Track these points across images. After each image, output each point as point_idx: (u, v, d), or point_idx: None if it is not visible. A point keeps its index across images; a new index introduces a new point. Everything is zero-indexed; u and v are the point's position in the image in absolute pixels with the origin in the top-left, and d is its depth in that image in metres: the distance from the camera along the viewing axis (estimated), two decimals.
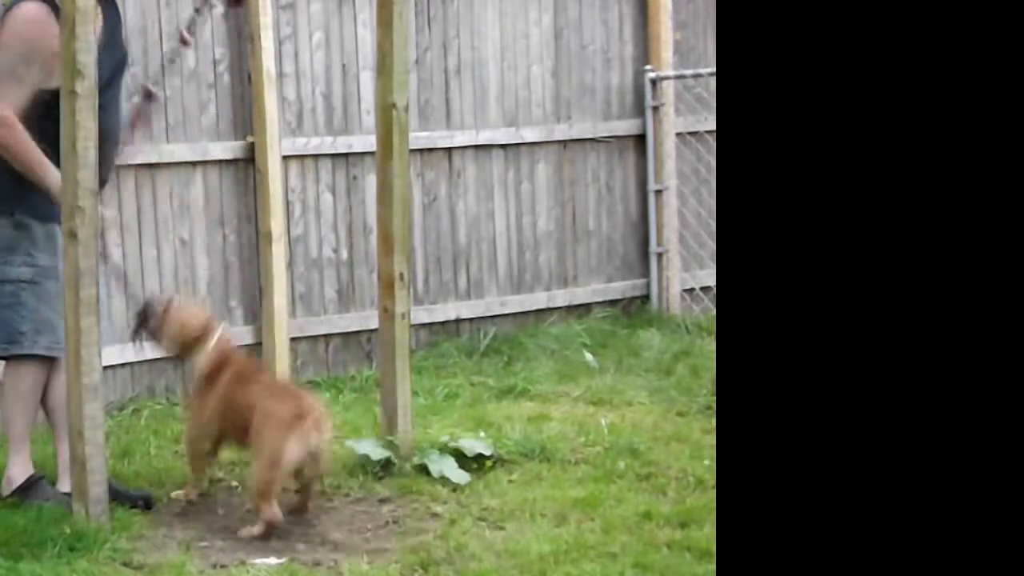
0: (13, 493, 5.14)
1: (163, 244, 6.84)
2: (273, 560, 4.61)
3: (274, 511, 4.82)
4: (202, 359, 5.18)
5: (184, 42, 5.50)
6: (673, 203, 8.63)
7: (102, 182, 4.99)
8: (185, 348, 5.22)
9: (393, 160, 5.58)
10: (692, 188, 8.70)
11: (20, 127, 4.93)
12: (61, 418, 5.10)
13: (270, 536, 4.81)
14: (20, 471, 5.18)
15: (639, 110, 8.61)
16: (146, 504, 5.16)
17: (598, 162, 8.50)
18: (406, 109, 5.60)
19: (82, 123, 4.71)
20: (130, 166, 6.67)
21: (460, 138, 7.89)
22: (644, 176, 8.63)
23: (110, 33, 5.11)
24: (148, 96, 5.28)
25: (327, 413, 5.13)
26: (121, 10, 5.32)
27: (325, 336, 7.41)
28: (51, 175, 4.94)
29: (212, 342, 5.19)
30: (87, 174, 4.74)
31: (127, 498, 5.13)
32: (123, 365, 6.58)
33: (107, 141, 5.01)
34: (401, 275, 5.63)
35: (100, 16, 5.00)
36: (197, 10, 5.60)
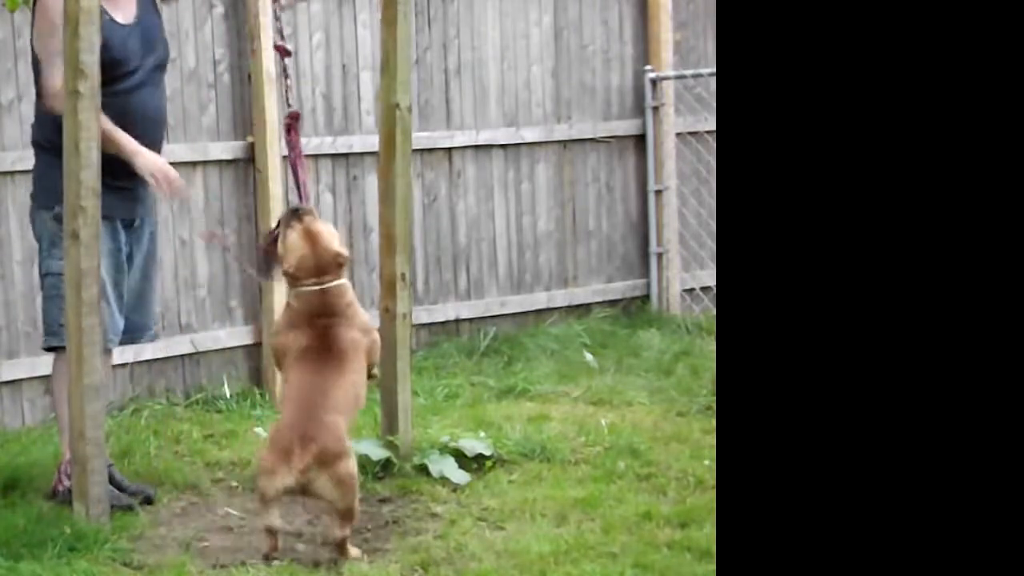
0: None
1: (163, 244, 6.83)
2: (273, 560, 4.61)
3: None
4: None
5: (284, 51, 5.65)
6: (673, 203, 8.63)
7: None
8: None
9: (396, 160, 5.56)
10: (692, 188, 8.70)
11: None
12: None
13: None
14: None
15: (639, 110, 8.61)
16: (146, 500, 5.16)
17: (598, 162, 8.50)
18: (409, 109, 5.59)
19: (84, 123, 4.71)
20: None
21: (460, 138, 7.89)
22: (644, 176, 8.63)
23: (142, 16, 5.24)
24: (288, 129, 5.40)
25: None
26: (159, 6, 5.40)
27: None
28: (126, 141, 5.05)
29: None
30: (89, 174, 4.74)
31: (128, 493, 5.15)
32: (123, 365, 6.57)
33: (151, 121, 5.22)
34: (403, 275, 5.62)
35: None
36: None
